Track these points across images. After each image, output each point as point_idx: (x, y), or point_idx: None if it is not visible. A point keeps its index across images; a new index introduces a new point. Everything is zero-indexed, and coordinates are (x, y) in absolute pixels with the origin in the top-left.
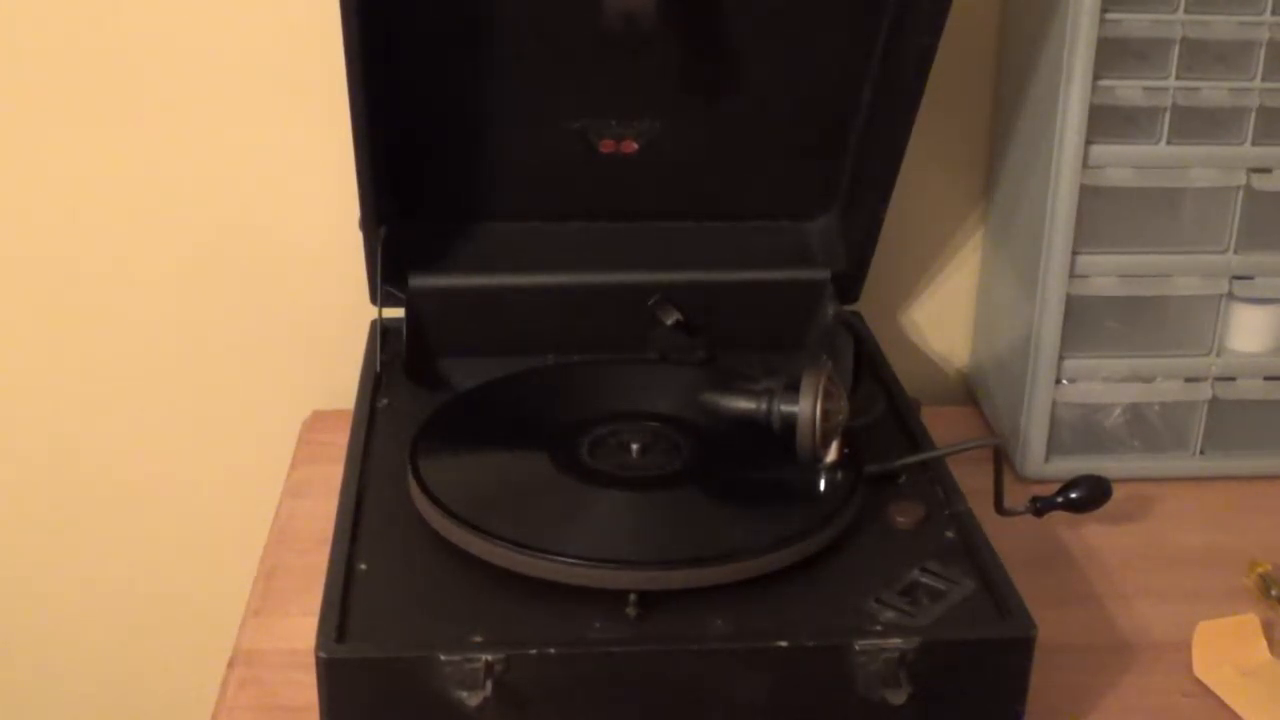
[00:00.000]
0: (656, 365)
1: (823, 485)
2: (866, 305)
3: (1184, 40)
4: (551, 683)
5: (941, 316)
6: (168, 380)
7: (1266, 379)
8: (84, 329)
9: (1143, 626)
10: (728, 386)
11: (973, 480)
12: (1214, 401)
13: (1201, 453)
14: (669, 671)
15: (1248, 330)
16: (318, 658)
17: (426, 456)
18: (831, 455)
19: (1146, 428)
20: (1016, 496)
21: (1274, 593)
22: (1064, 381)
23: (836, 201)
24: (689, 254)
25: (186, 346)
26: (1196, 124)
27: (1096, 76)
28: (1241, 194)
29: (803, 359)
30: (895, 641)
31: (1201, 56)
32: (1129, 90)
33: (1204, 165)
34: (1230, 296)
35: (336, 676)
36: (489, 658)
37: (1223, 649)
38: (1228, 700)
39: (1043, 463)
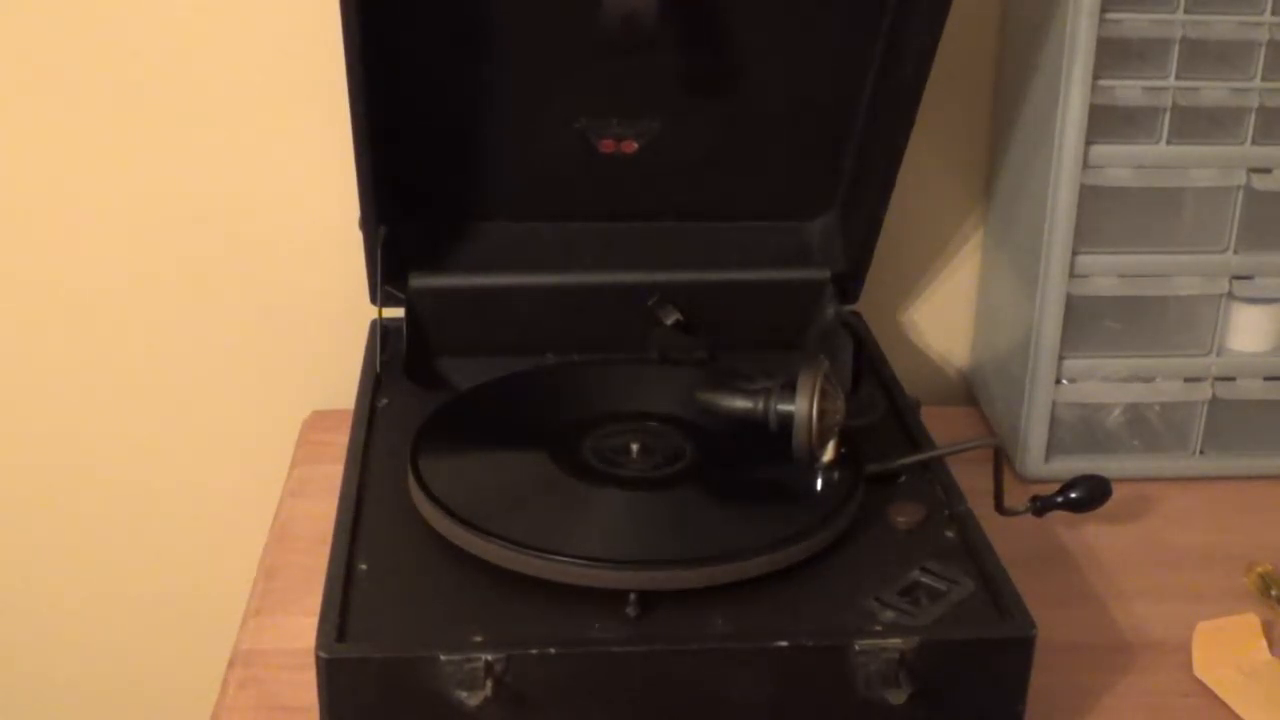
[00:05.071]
0: (656, 365)
1: (820, 485)
2: (866, 305)
3: (1184, 40)
4: (551, 683)
5: (941, 316)
6: (168, 380)
7: (1266, 379)
8: (84, 329)
9: (1143, 626)
10: (724, 385)
11: (973, 480)
12: (1214, 401)
13: (1201, 453)
14: (669, 671)
15: (1248, 330)
16: (318, 658)
17: (426, 456)
18: (829, 455)
19: (1146, 428)
20: (1016, 496)
21: (1274, 593)
22: (1064, 381)
23: (836, 201)
24: (689, 254)
25: (186, 346)
26: (1196, 124)
27: (1096, 76)
28: (1241, 194)
29: (801, 359)
30: (895, 641)
31: (1201, 56)
32: (1129, 90)
33: (1204, 165)
34: (1230, 296)
35: (336, 676)
36: (489, 658)
37: (1223, 649)
38: (1228, 700)
39: (1043, 463)
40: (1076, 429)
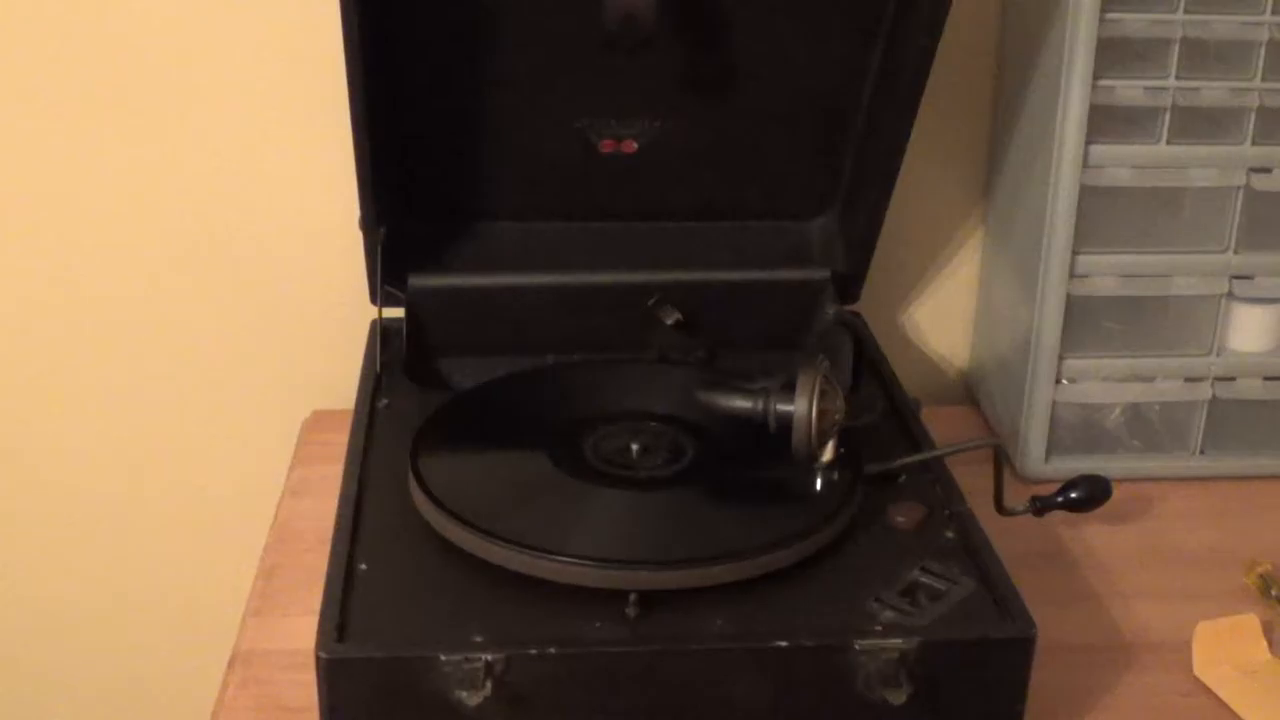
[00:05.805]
0: (656, 365)
1: (820, 485)
2: (866, 305)
3: (1184, 40)
4: (551, 683)
5: (941, 316)
6: (168, 380)
7: (1266, 379)
8: (83, 329)
9: (1143, 626)
10: (724, 385)
11: (973, 480)
12: (1214, 401)
13: (1201, 453)
14: (669, 671)
15: (1248, 330)
16: (318, 658)
17: (426, 456)
18: (827, 455)
19: (1146, 428)
20: (1016, 496)
21: (1274, 593)
22: (1064, 381)
23: (836, 201)
24: (689, 254)
25: (186, 346)
26: (1196, 124)
27: (1096, 76)
28: (1241, 194)
29: (801, 359)
30: (895, 641)
31: (1201, 56)
32: (1129, 90)
33: (1204, 165)
34: (1230, 296)
35: (336, 676)
36: (489, 658)
37: (1223, 649)
38: (1228, 700)
39: (1043, 463)
40: (1076, 429)
